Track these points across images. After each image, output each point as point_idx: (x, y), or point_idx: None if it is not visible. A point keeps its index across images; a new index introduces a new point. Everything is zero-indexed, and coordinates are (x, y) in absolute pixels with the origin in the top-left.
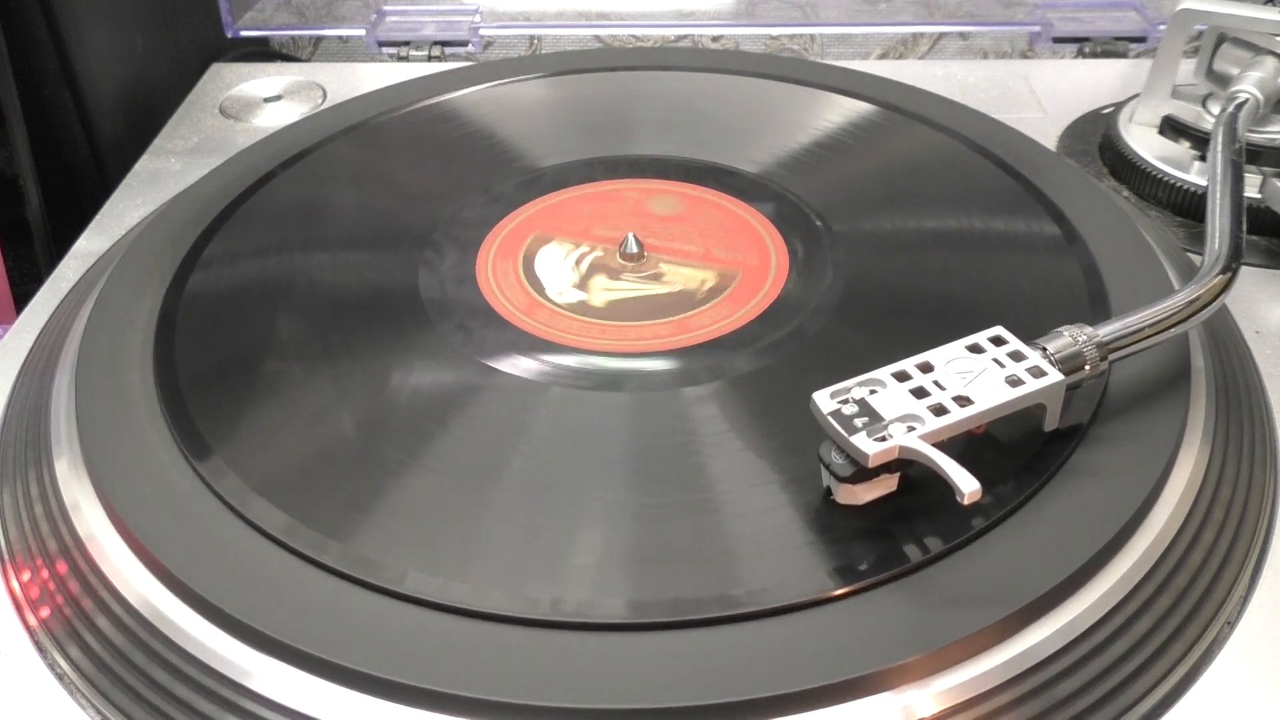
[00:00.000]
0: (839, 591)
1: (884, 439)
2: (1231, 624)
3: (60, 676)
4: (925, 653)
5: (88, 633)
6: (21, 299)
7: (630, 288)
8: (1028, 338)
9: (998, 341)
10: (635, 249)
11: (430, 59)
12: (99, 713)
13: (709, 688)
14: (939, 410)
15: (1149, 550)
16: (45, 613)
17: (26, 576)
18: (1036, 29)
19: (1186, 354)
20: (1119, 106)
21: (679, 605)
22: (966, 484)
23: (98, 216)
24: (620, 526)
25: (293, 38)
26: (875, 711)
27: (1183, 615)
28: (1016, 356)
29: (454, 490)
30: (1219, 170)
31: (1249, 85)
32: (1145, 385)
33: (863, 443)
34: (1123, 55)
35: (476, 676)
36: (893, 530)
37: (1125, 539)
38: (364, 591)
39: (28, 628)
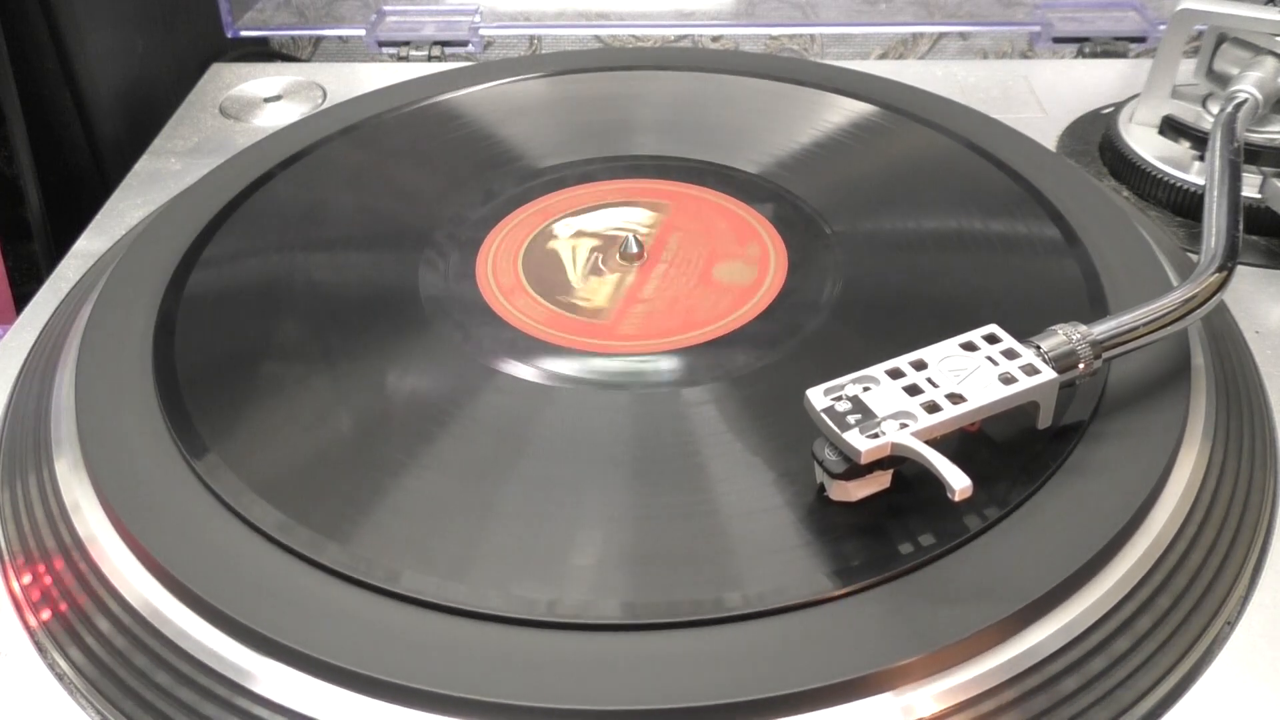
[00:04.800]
0: (839, 592)
1: (876, 436)
2: (1231, 624)
3: (60, 677)
4: (925, 653)
5: (88, 633)
6: (21, 299)
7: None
8: (1025, 337)
9: (991, 339)
10: (635, 249)
11: (430, 59)
12: (99, 713)
13: (709, 688)
14: (932, 407)
15: (1149, 550)
16: (45, 613)
17: (27, 577)
18: (1036, 29)
19: (1186, 353)
20: (1119, 106)
21: (678, 606)
22: (958, 481)
23: (98, 216)
24: (619, 527)
25: (293, 38)
26: (875, 711)
27: (1183, 615)
28: (1010, 354)
29: (453, 491)
30: (1217, 170)
31: (1248, 85)
32: (1145, 384)
33: (855, 439)
34: (1123, 55)
35: (475, 677)
36: (893, 530)
37: (1125, 538)
38: (363, 592)
39: (28, 628)
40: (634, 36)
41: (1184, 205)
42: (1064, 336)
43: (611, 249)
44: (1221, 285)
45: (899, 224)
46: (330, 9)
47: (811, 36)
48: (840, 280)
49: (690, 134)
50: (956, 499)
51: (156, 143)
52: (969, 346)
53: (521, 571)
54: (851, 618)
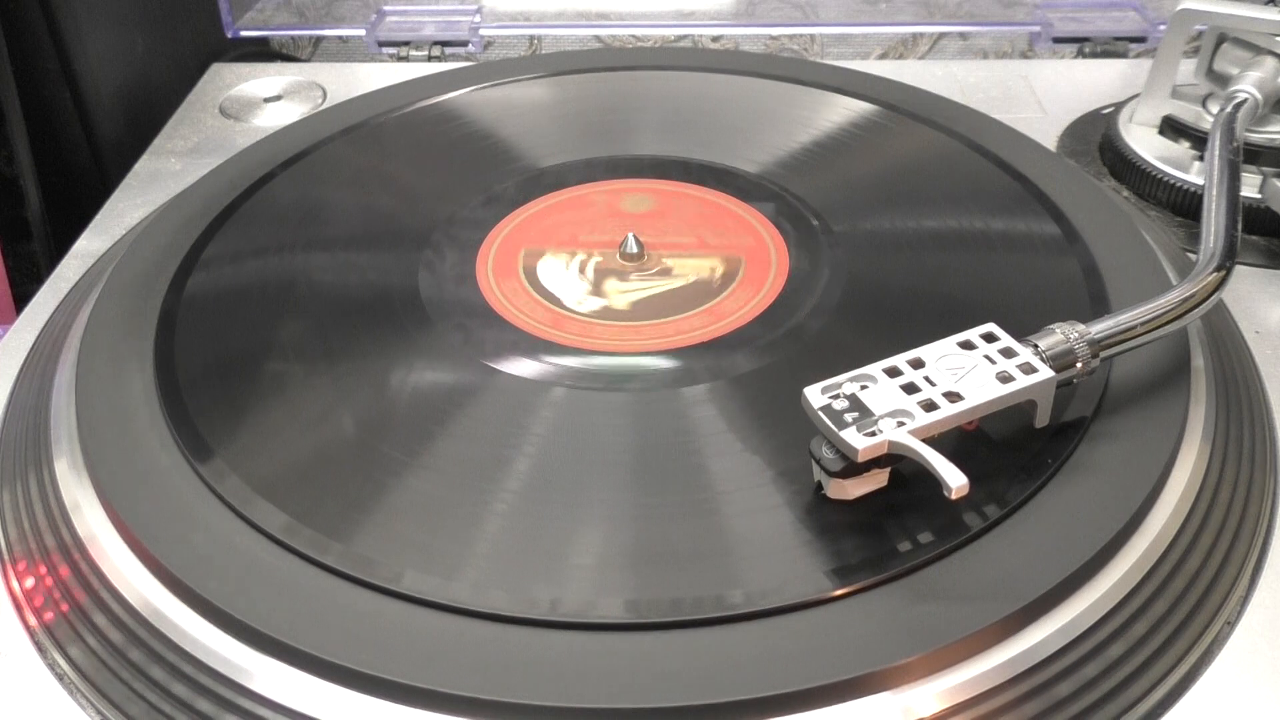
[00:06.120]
0: (839, 591)
1: (874, 434)
2: (1231, 624)
3: (60, 676)
4: (925, 653)
5: (88, 633)
6: (21, 299)
7: (635, 286)
8: (1025, 336)
9: (989, 338)
10: (635, 249)
11: (430, 59)
12: (99, 713)
13: (709, 688)
14: (929, 406)
15: (1149, 549)
16: (45, 613)
17: (27, 577)
18: (1036, 29)
19: (1186, 353)
20: (1119, 106)
21: (678, 605)
22: (954, 479)
23: (98, 216)
24: (619, 526)
25: (293, 38)
26: (875, 711)
27: (1183, 615)
28: (1008, 353)
29: (454, 490)
30: (1216, 169)
31: (1248, 85)
32: (1145, 384)
33: (852, 438)
34: (1123, 55)
35: (476, 676)
36: (893, 530)
37: (1125, 538)
38: (364, 591)
39: (28, 628)
40: (634, 36)
41: (1184, 205)
42: (1062, 335)
43: (612, 249)
44: (1220, 285)
45: (899, 224)
46: (330, 9)
47: (811, 36)
48: (840, 280)
49: (690, 134)
50: (953, 497)
51: (156, 143)
52: (967, 345)
53: (522, 570)
54: (851, 617)
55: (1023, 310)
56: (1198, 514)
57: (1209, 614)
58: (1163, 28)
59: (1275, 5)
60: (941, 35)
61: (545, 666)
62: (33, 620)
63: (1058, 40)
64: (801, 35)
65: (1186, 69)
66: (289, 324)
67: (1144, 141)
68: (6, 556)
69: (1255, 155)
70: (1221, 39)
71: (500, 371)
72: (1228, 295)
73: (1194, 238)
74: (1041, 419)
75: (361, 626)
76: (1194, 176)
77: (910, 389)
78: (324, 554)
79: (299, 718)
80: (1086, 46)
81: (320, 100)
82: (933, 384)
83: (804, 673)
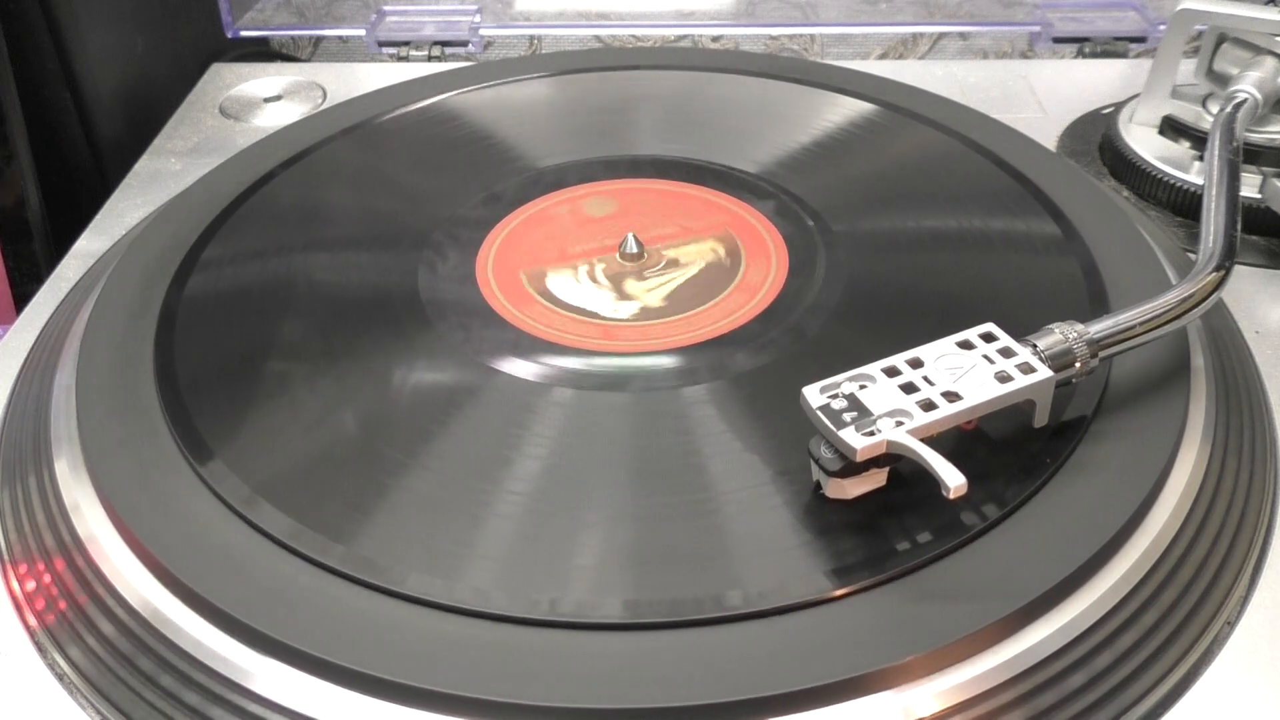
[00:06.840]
0: (839, 591)
1: (872, 434)
2: (1231, 624)
3: (60, 677)
4: (925, 652)
5: (88, 633)
6: (21, 299)
7: (635, 285)
8: (1024, 336)
9: (988, 338)
10: (635, 249)
11: (430, 59)
12: (99, 713)
13: (708, 687)
14: (928, 406)
15: (1149, 549)
16: (45, 613)
17: (27, 577)
18: (1036, 29)
19: (1186, 353)
20: (1119, 106)
21: (678, 605)
22: (952, 479)
23: (98, 216)
24: (620, 527)
25: (293, 38)
26: (875, 711)
27: (1183, 615)
28: (1006, 353)
29: (454, 491)
30: (1215, 169)
31: (1248, 85)
32: (1145, 384)
33: (851, 437)
34: (1123, 55)
35: (476, 676)
36: (892, 530)
37: (1125, 538)
38: (364, 592)
39: (28, 628)
40: (634, 36)
41: (1184, 205)
42: (1060, 335)
43: (612, 249)
44: (1219, 284)
45: (899, 224)
46: (330, 9)
47: (811, 36)
48: (840, 280)
49: (690, 134)
50: (951, 497)
51: (156, 143)
52: (966, 345)
53: (521, 571)
54: (851, 617)
55: (1022, 310)
56: (1198, 514)
57: (1209, 614)
58: (1163, 28)
59: (1275, 5)
60: (941, 35)
61: (545, 666)
62: (33, 621)
63: (1058, 40)
64: (801, 35)
65: (1186, 69)
66: (289, 324)
67: (1144, 141)
68: (7, 557)
69: (1255, 155)
70: (1221, 39)
71: (500, 372)
72: (1228, 295)
73: (1194, 237)
74: (1040, 419)
75: (359, 626)
76: (1194, 176)
77: (909, 389)
78: (323, 554)
79: (299, 718)
80: (1086, 46)
81: (320, 100)
82: (931, 384)
83: (804, 673)
